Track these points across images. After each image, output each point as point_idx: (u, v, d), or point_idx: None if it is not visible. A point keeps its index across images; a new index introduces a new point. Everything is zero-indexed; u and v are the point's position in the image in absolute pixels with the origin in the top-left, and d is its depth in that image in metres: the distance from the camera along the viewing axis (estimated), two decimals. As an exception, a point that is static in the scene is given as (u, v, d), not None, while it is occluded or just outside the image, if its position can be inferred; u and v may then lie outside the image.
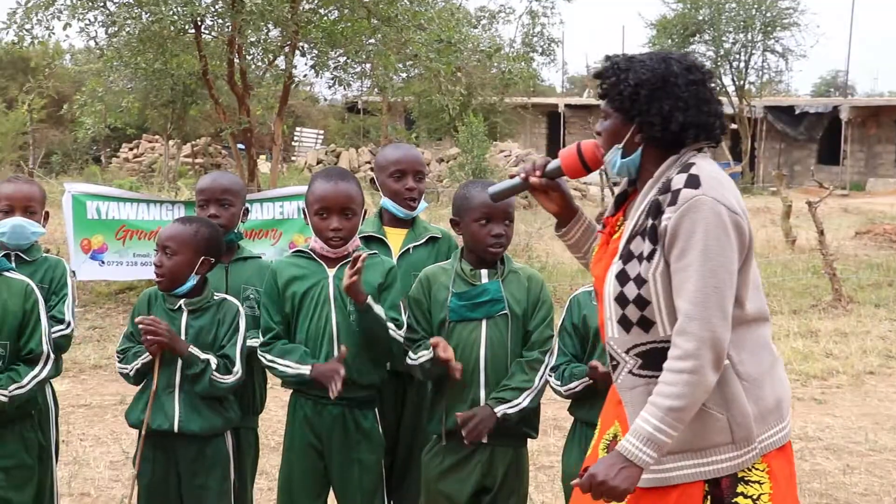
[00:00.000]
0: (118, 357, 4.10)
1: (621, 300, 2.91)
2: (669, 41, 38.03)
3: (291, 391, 4.18)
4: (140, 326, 3.89)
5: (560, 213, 3.35)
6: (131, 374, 4.01)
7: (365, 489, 4.11)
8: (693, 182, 2.81)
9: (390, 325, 4.01)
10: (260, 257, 4.57)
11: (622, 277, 2.90)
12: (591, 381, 3.89)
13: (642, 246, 2.88)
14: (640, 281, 2.86)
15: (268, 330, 4.11)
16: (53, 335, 4.14)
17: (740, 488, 2.90)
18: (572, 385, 3.96)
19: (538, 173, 3.23)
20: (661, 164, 2.93)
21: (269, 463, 6.43)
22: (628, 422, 2.91)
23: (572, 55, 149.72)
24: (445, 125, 30.14)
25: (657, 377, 2.83)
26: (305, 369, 3.97)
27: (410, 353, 4.03)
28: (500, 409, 3.88)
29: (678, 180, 2.83)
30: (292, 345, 4.07)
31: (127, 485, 6.14)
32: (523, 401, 3.90)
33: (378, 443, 4.17)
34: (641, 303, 2.87)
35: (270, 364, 4.07)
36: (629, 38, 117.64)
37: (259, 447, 4.53)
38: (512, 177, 3.29)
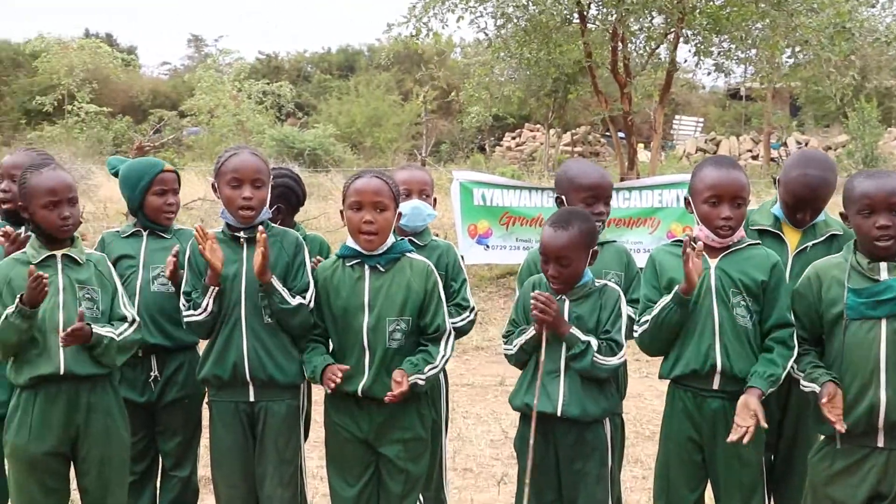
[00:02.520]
0: (503, 340, 4.24)
1: None
2: None
3: (669, 382, 4.12)
4: (532, 302, 3.98)
5: None
6: (514, 351, 4.13)
7: (745, 485, 3.99)
8: None
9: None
10: (615, 241, 4.53)
11: None
12: None
13: None
14: None
15: (647, 313, 4.10)
16: (461, 322, 4.35)
17: None
18: None
19: None
20: None
21: (644, 452, 6.40)
22: None
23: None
24: (833, 112, 28.57)
25: None
26: None
27: (793, 364, 3.87)
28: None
29: None
30: None
31: (507, 463, 6.34)
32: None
33: (759, 439, 4.00)
34: None
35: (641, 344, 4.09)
36: None
37: (625, 433, 4.50)
38: None
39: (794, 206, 4.30)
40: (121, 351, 4.06)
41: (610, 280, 4.24)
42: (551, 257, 4.01)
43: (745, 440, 3.75)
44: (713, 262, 3.99)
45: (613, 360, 3.99)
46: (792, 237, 4.34)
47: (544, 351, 4.01)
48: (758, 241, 4.10)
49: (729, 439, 3.79)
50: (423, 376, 3.94)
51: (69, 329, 3.86)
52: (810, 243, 4.30)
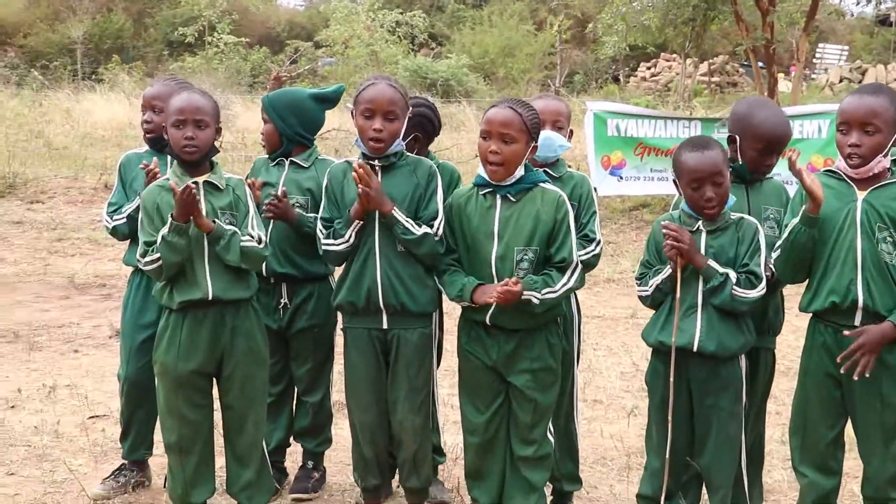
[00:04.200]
0: (636, 282, 4.21)
1: None
2: None
3: (811, 316, 4.03)
4: (665, 232, 3.95)
5: None
6: (650, 292, 4.09)
7: (886, 425, 3.88)
8: None
9: None
10: (772, 177, 4.40)
11: None
12: None
13: None
14: None
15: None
16: (586, 255, 4.31)
17: None
18: None
19: None
20: None
21: (779, 388, 6.28)
22: None
23: None
24: None
25: None
26: None
27: None
28: None
29: None
30: None
31: (637, 396, 6.33)
32: None
33: (900, 378, 3.90)
34: None
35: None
36: None
37: (774, 369, 4.42)
38: None
39: None
40: (244, 256, 4.16)
41: (769, 217, 4.16)
42: (706, 179, 3.93)
43: (856, 375, 3.75)
44: (861, 196, 3.84)
45: (753, 293, 3.92)
46: None
47: (680, 287, 3.96)
48: None
49: (842, 369, 3.78)
50: (538, 295, 3.93)
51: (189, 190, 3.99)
52: None
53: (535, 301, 3.93)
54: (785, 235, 3.91)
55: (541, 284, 3.95)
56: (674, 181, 4.08)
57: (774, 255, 3.98)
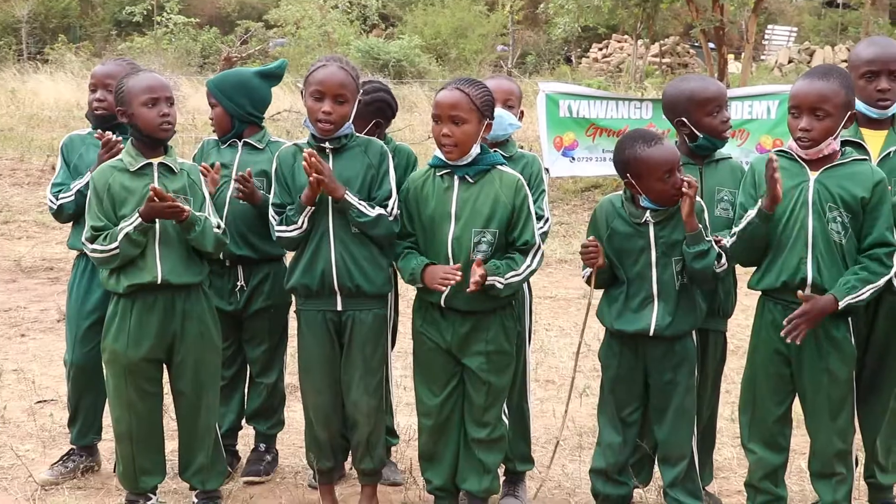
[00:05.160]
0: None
1: None
2: None
3: (760, 293, 4.07)
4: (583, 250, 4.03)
5: None
6: (585, 280, 4.18)
7: (833, 400, 3.95)
8: None
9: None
10: (731, 157, 4.43)
11: None
12: None
13: None
14: None
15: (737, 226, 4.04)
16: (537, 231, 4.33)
17: None
18: None
19: None
20: None
21: (728, 367, 6.34)
22: None
23: None
24: (937, 19, 27.42)
25: None
26: None
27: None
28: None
29: None
30: None
31: (589, 375, 6.36)
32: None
33: (849, 354, 3.96)
34: None
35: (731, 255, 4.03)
36: None
37: (726, 351, 4.46)
38: None
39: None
40: (217, 244, 4.18)
41: (723, 199, 4.20)
42: (675, 167, 3.92)
43: (789, 339, 3.79)
44: (813, 176, 3.88)
45: (724, 265, 4.00)
46: (874, 144, 4.17)
47: (593, 287, 4.13)
48: (865, 157, 3.98)
49: (782, 333, 3.80)
50: (502, 280, 3.94)
51: (170, 201, 3.97)
52: (893, 148, 4.15)
53: (500, 286, 3.95)
54: (742, 227, 3.94)
55: (504, 268, 3.96)
56: (629, 183, 4.02)
57: (731, 241, 4.01)
